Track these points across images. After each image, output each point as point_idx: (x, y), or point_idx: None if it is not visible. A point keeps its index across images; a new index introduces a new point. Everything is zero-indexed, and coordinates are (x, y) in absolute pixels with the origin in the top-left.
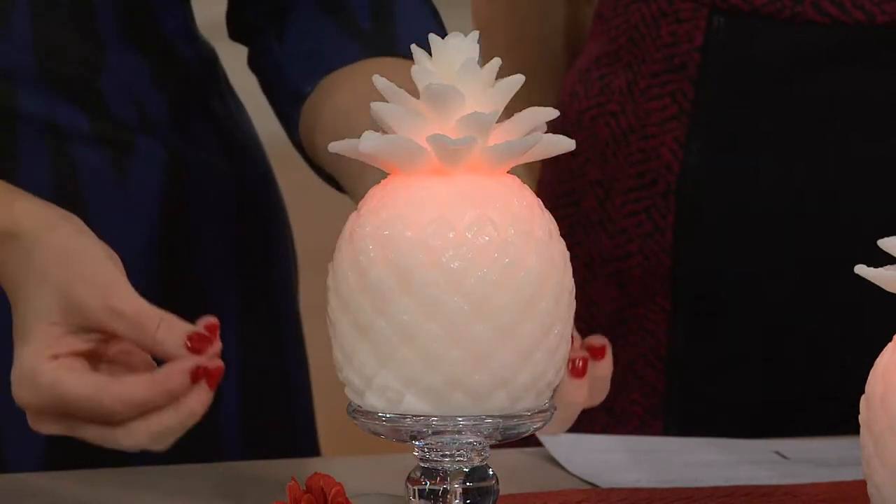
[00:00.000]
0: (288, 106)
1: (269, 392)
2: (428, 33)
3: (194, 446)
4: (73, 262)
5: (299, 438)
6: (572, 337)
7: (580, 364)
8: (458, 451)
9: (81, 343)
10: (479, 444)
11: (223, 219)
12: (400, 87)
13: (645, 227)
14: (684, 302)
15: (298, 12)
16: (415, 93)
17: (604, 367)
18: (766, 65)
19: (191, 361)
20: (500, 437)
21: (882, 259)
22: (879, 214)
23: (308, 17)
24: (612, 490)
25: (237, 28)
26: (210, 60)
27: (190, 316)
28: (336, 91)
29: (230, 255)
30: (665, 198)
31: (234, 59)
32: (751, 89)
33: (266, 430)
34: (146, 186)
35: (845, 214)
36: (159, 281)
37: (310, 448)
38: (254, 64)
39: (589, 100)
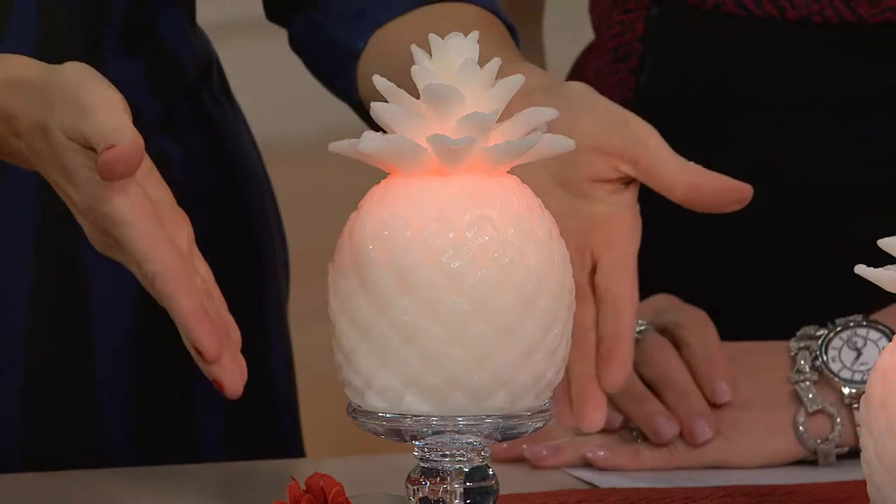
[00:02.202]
0: (341, 65)
1: (254, 394)
2: None
3: (174, 448)
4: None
5: (284, 442)
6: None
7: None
8: (458, 451)
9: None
10: (479, 444)
11: (209, 221)
12: (449, 30)
13: None
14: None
15: None
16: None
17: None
18: (691, 56)
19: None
20: (499, 437)
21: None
22: (809, 203)
23: None
24: (612, 490)
25: (274, 8)
26: (206, 62)
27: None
28: (391, 41)
29: (217, 258)
30: None
31: (231, 60)
32: (680, 81)
33: (250, 432)
34: None
35: (779, 205)
36: None
37: (294, 452)
38: (296, 41)
39: None
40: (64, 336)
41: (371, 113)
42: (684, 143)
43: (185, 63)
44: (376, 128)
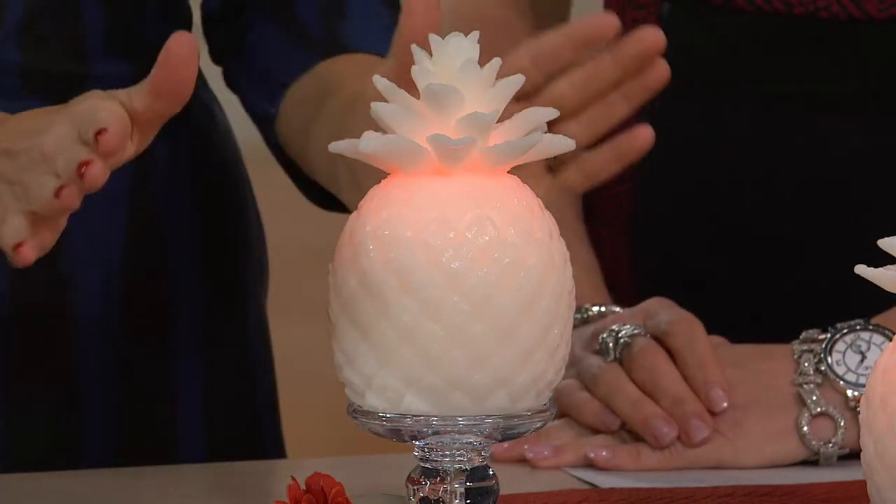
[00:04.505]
0: (263, 128)
1: (234, 392)
2: (379, 23)
3: (150, 446)
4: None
5: (264, 440)
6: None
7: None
8: (458, 451)
9: None
10: (479, 444)
11: (190, 219)
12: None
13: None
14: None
15: (253, 27)
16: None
17: None
18: (702, 52)
19: None
20: (499, 437)
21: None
22: (810, 200)
23: (262, 31)
24: (612, 490)
25: (211, 49)
26: None
27: (157, 316)
28: (293, 107)
29: (197, 254)
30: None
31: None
32: (692, 76)
33: (230, 432)
34: (115, 184)
35: (781, 202)
36: (125, 279)
37: (274, 451)
38: (229, 84)
39: None
40: (45, 337)
41: (371, 113)
42: (693, 137)
43: None
44: (305, 185)
